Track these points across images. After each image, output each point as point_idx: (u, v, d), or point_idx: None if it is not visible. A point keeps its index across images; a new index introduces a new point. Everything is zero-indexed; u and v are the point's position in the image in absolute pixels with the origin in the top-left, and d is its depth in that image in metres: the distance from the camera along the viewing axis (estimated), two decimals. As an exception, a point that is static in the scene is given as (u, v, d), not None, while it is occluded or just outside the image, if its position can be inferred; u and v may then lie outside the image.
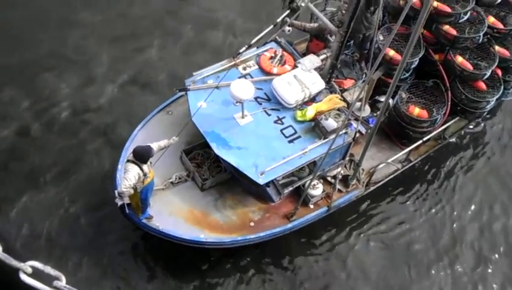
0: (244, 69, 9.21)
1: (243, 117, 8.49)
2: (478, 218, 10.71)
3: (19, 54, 11.90)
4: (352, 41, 9.93)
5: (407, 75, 9.86)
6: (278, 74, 9.02)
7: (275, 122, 8.60)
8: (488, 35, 9.69)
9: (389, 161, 9.42)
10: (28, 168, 10.24)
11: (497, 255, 10.21)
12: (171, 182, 8.79)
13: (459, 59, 9.52)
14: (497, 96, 9.70)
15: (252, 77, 9.10)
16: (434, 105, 9.71)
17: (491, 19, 9.80)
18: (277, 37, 9.70)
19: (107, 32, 12.65)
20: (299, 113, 8.63)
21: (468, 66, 9.48)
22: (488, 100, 9.61)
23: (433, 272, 9.87)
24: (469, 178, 11.26)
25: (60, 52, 12.15)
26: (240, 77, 9.08)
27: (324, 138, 8.40)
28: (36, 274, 2.28)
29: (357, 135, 8.57)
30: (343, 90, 9.34)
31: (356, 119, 8.78)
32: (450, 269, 9.93)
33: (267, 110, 8.70)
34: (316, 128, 8.49)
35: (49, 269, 2.22)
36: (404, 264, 9.91)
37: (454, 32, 9.42)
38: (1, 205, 9.69)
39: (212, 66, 9.23)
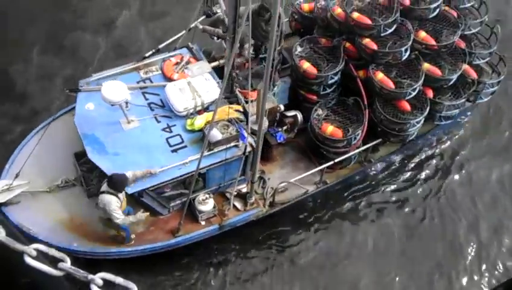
0: (146, 73, 8.82)
1: (128, 122, 8.07)
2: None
3: None
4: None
5: (328, 90, 9.17)
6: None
7: (163, 129, 8.13)
8: (416, 52, 8.89)
9: (292, 180, 8.71)
10: None
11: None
12: (57, 185, 8.42)
13: (379, 76, 8.77)
14: (421, 119, 8.85)
15: (151, 82, 8.71)
16: (352, 124, 8.96)
17: (422, 34, 9.00)
18: (189, 43, 9.28)
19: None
20: (188, 121, 8.13)
21: (389, 84, 8.71)
22: (410, 123, 8.76)
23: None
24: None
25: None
26: (138, 81, 8.72)
27: (209, 150, 7.84)
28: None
29: (248, 149, 7.98)
30: (247, 102, 8.75)
31: (253, 133, 8.20)
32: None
33: (157, 117, 8.24)
34: (204, 139, 7.95)
35: (53, 251, 2.24)
36: None
37: (374, 46, 8.70)
38: None
39: (115, 68, 8.89)
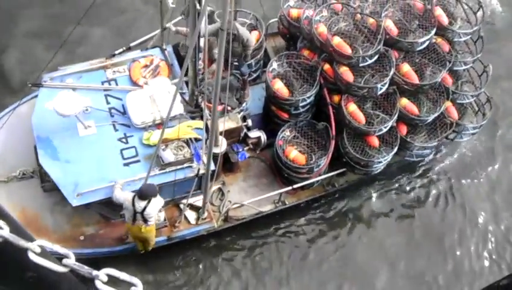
0: (113, 73, 8.57)
1: (85, 128, 7.96)
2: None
3: None
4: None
5: (301, 110, 8.85)
6: (142, 87, 8.34)
7: (119, 139, 8.01)
8: (395, 87, 8.44)
9: (246, 202, 8.65)
10: None
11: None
12: (15, 176, 8.49)
13: (351, 108, 8.41)
14: (388, 158, 8.57)
15: (116, 84, 8.48)
16: (318, 151, 8.72)
17: (405, 68, 8.50)
18: (163, 44, 8.92)
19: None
20: (145, 135, 7.99)
21: (359, 119, 8.37)
22: (374, 160, 8.49)
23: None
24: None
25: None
26: (103, 82, 8.49)
27: (161, 169, 7.76)
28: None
29: (202, 171, 7.86)
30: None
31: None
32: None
33: (116, 125, 8.10)
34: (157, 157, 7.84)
35: (57, 247, 2.29)
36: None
37: (349, 77, 8.27)
38: None
39: (81, 64, 8.66)
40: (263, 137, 8.81)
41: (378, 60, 8.39)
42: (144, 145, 7.97)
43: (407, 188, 10.29)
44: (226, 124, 8.40)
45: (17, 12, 11.74)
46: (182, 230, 8.59)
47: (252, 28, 9.39)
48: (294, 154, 8.59)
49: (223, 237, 9.38)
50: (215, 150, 8.13)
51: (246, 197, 9.08)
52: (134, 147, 7.97)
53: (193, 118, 8.31)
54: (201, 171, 7.88)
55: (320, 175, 8.84)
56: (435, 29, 8.36)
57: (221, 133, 8.23)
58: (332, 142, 8.55)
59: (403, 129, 8.71)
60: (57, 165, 7.68)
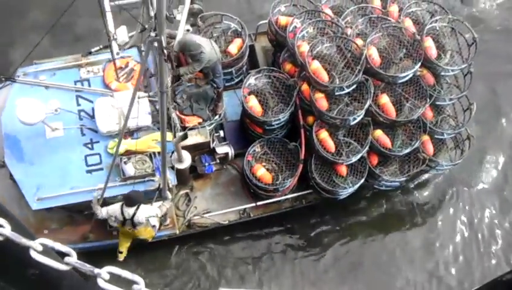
0: (87, 72, 8.47)
1: (52, 130, 7.99)
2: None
3: None
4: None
5: (275, 127, 8.71)
6: (115, 91, 8.26)
7: (85, 145, 8.05)
8: (369, 119, 8.20)
9: (207, 215, 8.76)
10: None
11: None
12: (-15, 164, 8.67)
13: (322, 135, 8.26)
14: (354, 188, 8.48)
15: (89, 85, 8.40)
16: (286, 170, 8.66)
17: (383, 100, 8.21)
18: (141, 44, 8.71)
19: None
20: (110, 144, 8.00)
21: (329, 147, 8.23)
22: (338, 190, 8.42)
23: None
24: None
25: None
26: (76, 81, 8.41)
27: (122, 180, 7.83)
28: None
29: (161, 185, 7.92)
30: (184, 128, 8.46)
31: (173, 168, 8.10)
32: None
33: (83, 129, 8.11)
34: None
35: (59, 246, 2.33)
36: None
37: (323, 105, 8.04)
38: None
39: (57, 59, 8.56)
40: (231, 152, 8.75)
41: (357, 87, 8.11)
42: (109, 154, 8.01)
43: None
44: (194, 138, 8.39)
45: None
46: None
47: (235, 35, 9.07)
48: (262, 172, 8.56)
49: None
50: (179, 166, 8.16)
51: (213, 205, 9.19)
52: (99, 154, 8.01)
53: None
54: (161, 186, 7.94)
55: (285, 195, 8.84)
56: (419, 64, 7.97)
57: (186, 148, 8.23)
58: (300, 166, 8.47)
59: (374, 159, 8.56)
60: (21, 166, 7.80)
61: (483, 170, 10.60)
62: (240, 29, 9.11)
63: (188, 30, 9.10)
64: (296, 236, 10.11)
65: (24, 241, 2.32)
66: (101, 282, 2.30)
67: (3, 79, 8.42)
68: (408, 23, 8.53)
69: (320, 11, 8.96)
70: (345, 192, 8.57)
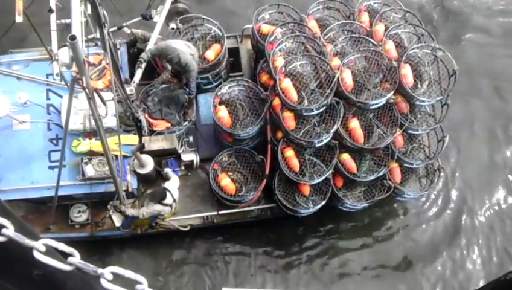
0: (61, 66, 8.42)
1: (20, 122, 8.05)
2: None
3: None
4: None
5: (245, 137, 8.62)
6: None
7: (50, 140, 8.12)
8: (336, 143, 8.06)
9: (168, 220, 8.78)
10: None
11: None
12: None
13: (288, 153, 8.17)
14: (316, 208, 8.43)
15: (61, 80, 8.36)
16: (251, 182, 8.62)
17: (352, 124, 8.05)
18: (118, 42, 8.66)
19: None
20: (74, 142, 8.05)
21: (293, 166, 8.15)
22: (299, 210, 8.38)
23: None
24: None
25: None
26: (48, 75, 8.41)
27: (82, 180, 7.90)
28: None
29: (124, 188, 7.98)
30: (151, 132, 8.45)
31: (134, 171, 8.14)
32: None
33: (50, 124, 8.16)
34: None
35: (62, 246, 2.34)
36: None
37: (290, 124, 7.93)
38: None
39: (32, 50, 8.55)
40: (196, 160, 8.73)
41: (328, 108, 7.96)
42: (72, 152, 8.06)
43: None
44: (159, 143, 8.38)
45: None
46: (104, 231, 8.88)
47: (214, 40, 8.92)
48: (226, 182, 8.54)
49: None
50: (140, 171, 8.18)
51: (178, 206, 9.21)
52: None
53: (128, 132, 8.27)
54: (124, 189, 8.00)
55: (248, 206, 8.83)
56: (392, 93, 7.78)
57: (151, 153, 8.24)
58: (264, 181, 8.43)
59: (339, 182, 8.47)
60: (-15, 156, 7.91)
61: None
62: (220, 34, 8.95)
63: (172, 29, 9.03)
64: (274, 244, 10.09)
65: (27, 241, 2.31)
66: (104, 282, 2.30)
67: (-26, 67, 8.49)
68: (390, 46, 8.27)
69: (303, 24, 8.74)
70: (307, 211, 8.51)
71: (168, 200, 8.13)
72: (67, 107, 5.96)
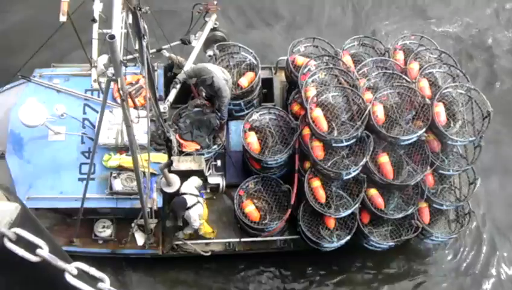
0: (99, 74, 8.71)
1: (55, 133, 8.27)
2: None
3: None
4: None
5: (273, 165, 8.62)
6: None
7: (83, 153, 8.28)
8: (365, 176, 7.97)
9: (189, 242, 8.73)
10: None
11: None
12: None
13: (315, 184, 8.10)
14: (340, 243, 8.25)
15: (98, 95, 8.64)
16: (276, 211, 8.55)
17: (382, 160, 7.95)
18: (156, 64, 8.92)
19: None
20: (105, 157, 8.19)
21: (319, 196, 8.06)
22: (322, 243, 8.22)
23: None
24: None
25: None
26: (86, 90, 8.68)
27: (110, 194, 8.00)
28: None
29: (149, 206, 8.02)
30: (181, 153, 8.54)
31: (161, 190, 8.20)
32: None
33: (84, 137, 8.35)
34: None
35: (93, 271, 2.42)
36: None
37: (319, 154, 7.91)
38: None
39: (73, 65, 8.89)
40: (222, 184, 8.75)
41: (358, 141, 7.93)
42: (103, 166, 8.20)
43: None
44: (187, 164, 8.44)
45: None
46: (126, 248, 8.89)
47: (249, 68, 9.09)
48: (250, 209, 8.49)
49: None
50: (167, 190, 8.23)
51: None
52: (94, 164, 8.19)
53: (158, 151, 8.39)
54: (149, 206, 8.05)
55: (271, 236, 8.73)
56: (424, 130, 7.70)
57: (179, 173, 8.29)
58: (289, 211, 8.35)
59: (366, 218, 8.32)
60: (20, 163, 8.10)
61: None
62: (254, 62, 9.12)
63: (209, 56, 9.27)
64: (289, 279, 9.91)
65: (61, 263, 2.35)
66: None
67: (20, 77, 8.83)
68: (424, 84, 8.26)
69: (337, 58, 8.84)
70: (330, 246, 8.35)
71: (191, 199, 8.00)
72: (100, 107, 6.03)
